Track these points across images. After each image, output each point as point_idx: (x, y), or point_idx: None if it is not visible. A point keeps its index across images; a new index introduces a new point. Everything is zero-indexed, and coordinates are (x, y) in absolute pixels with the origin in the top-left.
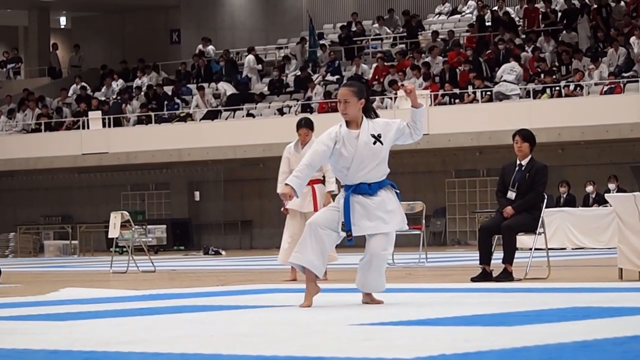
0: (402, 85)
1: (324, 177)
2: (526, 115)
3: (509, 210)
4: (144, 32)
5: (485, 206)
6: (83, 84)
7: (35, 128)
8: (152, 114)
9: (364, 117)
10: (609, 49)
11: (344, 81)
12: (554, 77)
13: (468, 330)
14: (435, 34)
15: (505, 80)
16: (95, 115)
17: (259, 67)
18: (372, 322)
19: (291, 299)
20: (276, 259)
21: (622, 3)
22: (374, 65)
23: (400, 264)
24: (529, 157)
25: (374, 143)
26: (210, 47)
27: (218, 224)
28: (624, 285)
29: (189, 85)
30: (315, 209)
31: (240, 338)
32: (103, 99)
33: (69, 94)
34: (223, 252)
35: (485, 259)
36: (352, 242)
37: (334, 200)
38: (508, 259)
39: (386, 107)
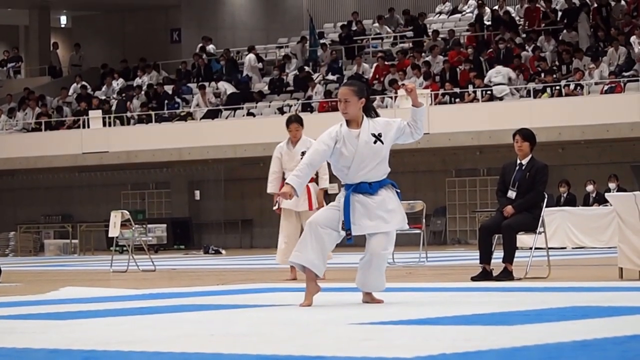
0: (403, 84)
1: (316, 175)
2: (526, 115)
3: (509, 209)
4: (145, 31)
5: (486, 205)
6: (83, 83)
7: (36, 127)
8: (153, 113)
9: (365, 117)
10: (609, 48)
11: (345, 80)
12: (555, 76)
13: (468, 329)
14: (436, 33)
15: (494, 84)
16: (95, 115)
17: (260, 65)
18: (372, 321)
19: (291, 298)
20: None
21: (623, 2)
22: (375, 64)
23: (401, 263)
24: (530, 156)
25: (375, 142)
26: (211, 47)
27: (218, 223)
28: (624, 285)
29: (189, 85)
30: (310, 208)
31: (240, 337)
32: (103, 98)
33: (70, 93)
34: (223, 252)
35: (486, 258)
36: (351, 241)
37: (326, 197)
38: (508, 258)
39: (386, 107)
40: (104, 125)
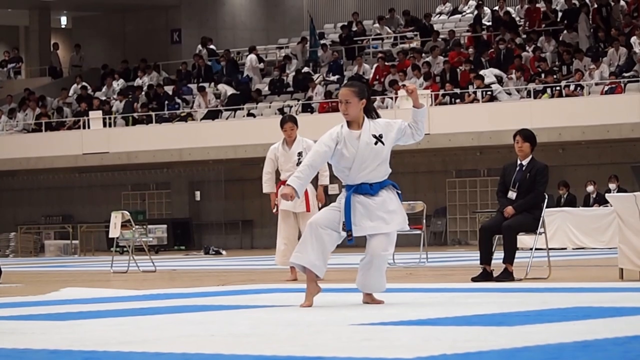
0: (404, 85)
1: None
2: (527, 115)
3: (509, 210)
4: (145, 31)
5: (486, 206)
6: (84, 83)
7: (36, 128)
8: (153, 113)
9: (365, 118)
10: (609, 48)
11: (345, 81)
12: (555, 77)
13: (469, 330)
14: (436, 33)
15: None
16: (96, 115)
17: (261, 65)
18: (373, 322)
19: (292, 298)
20: None
21: (623, 3)
22: (375, 65)
23: (401, 263)
24: (530, 157)
25: (375, 143)
26: (211, 46)
27: (219, 224)
28: (625, 285)
29: (189, 85)
30: (308, 210)
31: (241, 338)
32: (104, 98)
33: (70, 94)
34: (224, 252)
35: (486, 259)
36: (352, 242)
37: (326, 194)
38: (509, 258)
39: (387, 107)
40: (105, 126)
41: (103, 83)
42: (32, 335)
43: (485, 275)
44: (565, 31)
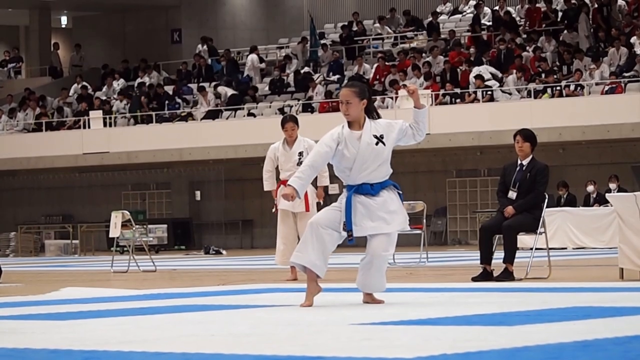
0: (404, 85)
1: None
2: (527, 115)
3: (509, 210)
4: (145, 31)
5: (486, 206)
6: (84, 83)
7: (36, 127)
8: (153, 113)
9: (366, 118)
10: (610, 48)
11: (345, 81)
12: (555, 77)
13: (469, 329)
14: (437, 33)
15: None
16: (96, 115)
17: (263, 65)
18: (373, 321)
19: (292, 298)
20: None
21: (623, 2)
22: (375, 65)
23: (401, 263)
24: (530, 157)
25: (376, 144)
26: (206, 47)
27: (219, 224)
28: (625, 285)
29: (189, 85)
30: (307, 210)
31: (241, 338)
32: (104, 98)
33: (70, 94)
34: (224, 252)
35: (486, 258)
36: (353, 242)
37: (326, 193)
38: (509, 258)
39: (387, 107)
40: (105, 125)
41: (103, 83)
42: (32, 335)
43: (486, 275)
44: (565, 31)
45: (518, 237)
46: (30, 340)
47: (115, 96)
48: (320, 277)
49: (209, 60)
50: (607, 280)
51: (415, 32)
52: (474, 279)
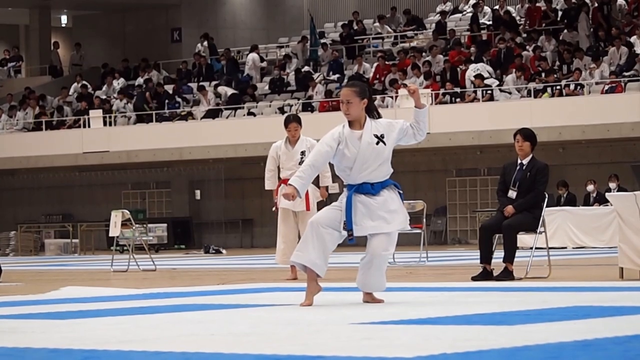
0: (404, 84)
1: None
2: (527, 115)
3: (509, 209)
4: (145, 30)
5: (486, 205)
6: (84, 82)
7: (36, 127)
8: (153, 112)
9: (367, 117)
10: (610, 48)
11: (345, 80)
12: (555, 76)
13: (469, 329)
14: (436, 33)
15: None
16: (96, 114)
17: (264, 64)
18: (373, 321)
19: (292, 298)
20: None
21: (623, 2)
22: (375, 64)
23: (401, 263)
24: (530, 156)
25: (377, 143)
26: (207, 43)
27: (219, 223)
28: (625, 285)
29: (189, 84)
30: (308, 209)
31: (241, 337)
32: (104, 97)
33: (70, 93)
34: (224, 251)
35: (486, 258)
36: (353, 242)
37: (327, 193)
38: (509, 258)
39: (387, 106)
40: (105, 124)
41: (103, 82)
42: (32, 334)
43: (486, 275)
44: (565, 30)
45: (518, 236)
46: (30, 339)
47: (115, 95)
48: (320, 276)
49: (209, 59)
50: (607, 280)
51: (416, 32)
52: (474, 279)
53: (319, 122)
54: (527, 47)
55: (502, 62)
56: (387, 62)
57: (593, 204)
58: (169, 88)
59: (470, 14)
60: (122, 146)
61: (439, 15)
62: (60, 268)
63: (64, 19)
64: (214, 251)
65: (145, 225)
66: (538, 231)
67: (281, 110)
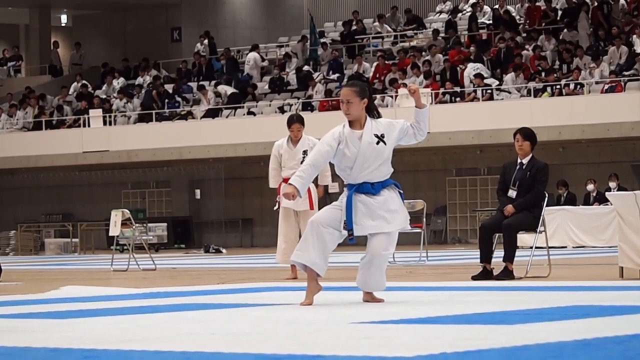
0: (404, 84)
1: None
2: (527, 114)
3: (509, 208)
4: (145, 30)
5: (486, 204)
6: (84, 82)
7: (36, 126)
8: (153, 112)
9: (367, 117)
10: (610, 47)
11: (345, 79)
12: (555, 75)
13: (469, 328)
14: (436, 32)
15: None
16: (96, 113)
17: (265, 63)
18: (373, 320)
19: (292, 297)
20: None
21: (623, 1)
22: (375, 63)
23: (401, 262)
24: (530, 155)
25: (377, 143)
26: (207, 41)
27: (219, 222)
28: (625, 284)
29: (189, 84)
30: (311, 208)
31: (241, 336)
32: (104, 97)
33: (70, 92)
34: (224, 250)
35: (486, 257)
36: (353, 241)
37: (326, 193)
38: (509, 257)
39: (387, 106)
40: (105, 124)
41: (103, 81)
42: (33, 334)
43: (486, 274)
44: (565, 30)
45: (518, 235)
46: (30, 339)
47: (115, 95)
48: (320, 275)
49: (209, 58)
50: (607, 279)
51: (416, 31)
52: (474, 278)
53: (318, 122)
54: (527, 46)
55: (502, 61)
56: (387, 62)
57: (593, 203)
58: (169, 87)
59: (469, 14)
60: (122, 145)
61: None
62: (60, 267)
63: (63, 18)
64: (214, 250)
65: (145, 225)
66: (538, 230)
67: (281, 109)
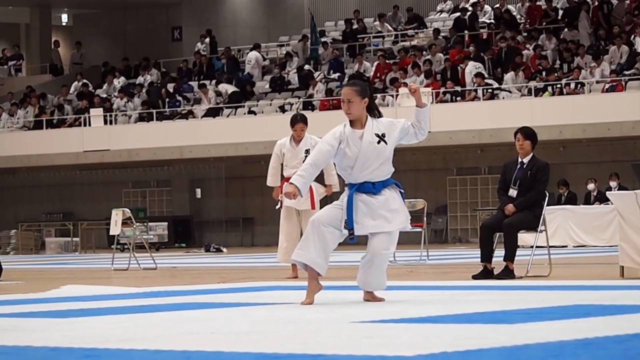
0: (404, 83)
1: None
2: (528, 113)
3: (510, 207)
4: (146, 29)
5: (487, 204)
6: (84, 81)
7: (36, 125)
8: (154, 111)
9: (368, 117)
10: (610, 46)
11: (346, 79)
12: (556, 75)
13: (469, 327)
14: (437, 31)
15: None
16: (96, 113)
17: (266, 62)
18: (374, 319)
19: (292, 296)
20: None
21: (624, 0)
22: (376, 62)
23: (402, 261)
24: (531, 154)
25: (378, 142)
26: (208, 40)
27: (219, 221)
28: (626, 283)
29: (190, 83)
30: (313, 207)
31: (242, 335)
32: (105, 96)
33: (71, 91)
34: (224, 250)
35: (487, 256)
36: (354, 241)
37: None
38: (509, 256)
39: (388, 105)
40: (105, 123)
41: (104, 80)
42: (33, 333)
43: (486, 273)
44: (566, 29)
45: (518, 235)
46: (30, 338)
47: (115, 94)
48: (321, 274)
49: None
50: (608, 278)
51: (417, 30)
52: (475, 277)
53: (319, 121)
54: (528, 46)
55: (502, 61)
56: (387, 61)
57: (594, 202)
58: (170, 87)
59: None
60: (123, 145)
61: (438, 14)
62: (61, 266)
63: (64, 17)
64: (214, 250)
65: (145, 224)
66: (539, 230)
67: (282, 109)
